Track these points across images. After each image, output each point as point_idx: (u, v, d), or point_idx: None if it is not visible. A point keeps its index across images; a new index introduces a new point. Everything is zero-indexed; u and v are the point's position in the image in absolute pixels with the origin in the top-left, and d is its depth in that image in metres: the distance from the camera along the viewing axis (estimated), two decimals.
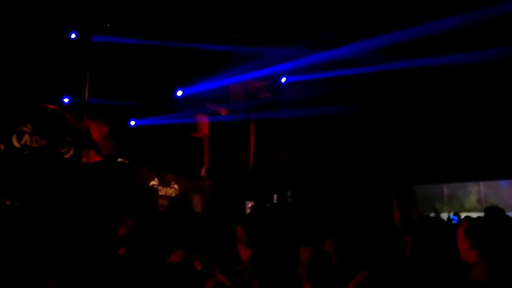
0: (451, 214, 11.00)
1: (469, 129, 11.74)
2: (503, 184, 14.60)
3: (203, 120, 11.39)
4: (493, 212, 3.90)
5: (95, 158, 7.61)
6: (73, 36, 7.05)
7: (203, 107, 10.64)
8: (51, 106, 9.20)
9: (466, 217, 2.97)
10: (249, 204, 9.72)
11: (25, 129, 8.69)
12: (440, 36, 9.00)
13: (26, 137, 8.72)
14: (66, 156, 9.06)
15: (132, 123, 9.78)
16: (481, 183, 14.65)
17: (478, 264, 2.13)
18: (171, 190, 9.47)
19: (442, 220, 9.39)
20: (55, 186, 6.17)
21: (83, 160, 7.39)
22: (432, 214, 12.99)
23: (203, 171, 8.18)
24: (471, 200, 15.29)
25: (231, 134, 11.66)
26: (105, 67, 7.29)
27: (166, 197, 8.89)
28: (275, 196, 10.19)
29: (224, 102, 10.86)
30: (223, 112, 8.51)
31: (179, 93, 10.17)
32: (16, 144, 8.37)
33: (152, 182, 8.75)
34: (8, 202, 7.07)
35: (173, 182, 9.60)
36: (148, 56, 9.25)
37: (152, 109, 9.77)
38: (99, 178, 6.90)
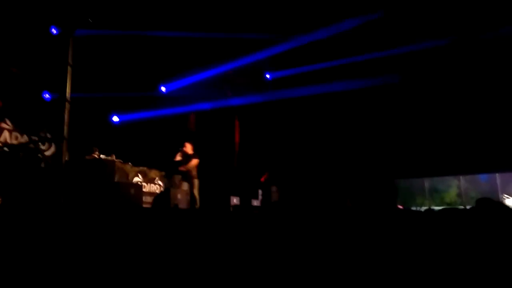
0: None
1: (450, 124, 11.94)
2: (482, 178, 14.93)
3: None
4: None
5: None
6: (54, 31, 6.89)
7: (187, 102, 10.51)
8: (31, 103, 9.02)
9: None
10: (234, 200, 9.70)
11: (4, 125, 8.52)
12: None
13: (6, 133, 8.56)
14: (47, 154, 8.92)
15: (115, 119, 9.59)
16: (461, 177, 14.96)
17: None
18: (155, 187, 9.40)
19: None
20: (36, 183, 6.05)
21: None
22: (414, 208, 13.24)
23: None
24: (451, 194, 15.61)
25: (216, 130, 11.60)
26: (88, 62, 7.16)
27: (150, 193, 8.82)
28: (259, 192, 10.18)
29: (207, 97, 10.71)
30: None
31: (163, 88, 10.04)
32: None
33: (136, 179, 8.68)
34: None
35: (156, 179, 9.53)
36: (132, 51, 9.12)
37: (136, 104, 9.64)
38: (82, 175, 6.80)
